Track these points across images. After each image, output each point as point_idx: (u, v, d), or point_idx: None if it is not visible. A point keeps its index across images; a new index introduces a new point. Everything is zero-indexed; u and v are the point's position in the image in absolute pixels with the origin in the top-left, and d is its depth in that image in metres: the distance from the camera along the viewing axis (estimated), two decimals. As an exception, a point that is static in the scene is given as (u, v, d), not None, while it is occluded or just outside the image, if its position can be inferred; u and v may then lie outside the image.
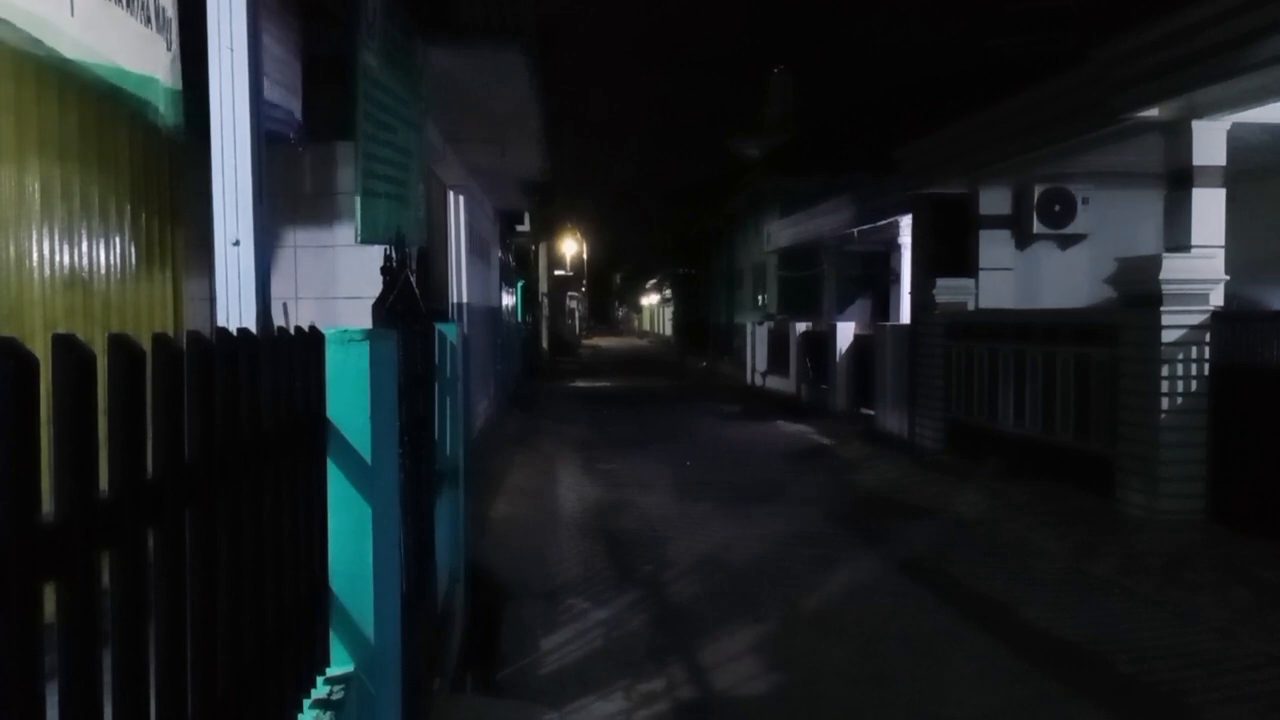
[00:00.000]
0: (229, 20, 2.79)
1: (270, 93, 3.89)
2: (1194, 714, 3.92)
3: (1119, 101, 7.55)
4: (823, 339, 15.51)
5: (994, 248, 10.90)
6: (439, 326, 4.19)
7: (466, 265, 10.29)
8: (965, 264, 10.98)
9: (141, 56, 2.52)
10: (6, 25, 1.99)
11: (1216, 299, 6.78)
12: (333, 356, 2.13)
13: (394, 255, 3.23)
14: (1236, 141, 7.45)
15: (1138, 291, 6.95)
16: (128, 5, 2.66)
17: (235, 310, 2.82)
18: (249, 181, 2.83)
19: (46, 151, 3.79)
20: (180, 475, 1.32)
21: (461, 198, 10.23)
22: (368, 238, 4.23)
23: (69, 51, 2.21)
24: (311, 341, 2.03)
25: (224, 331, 1.57)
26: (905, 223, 13.97)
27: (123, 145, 4.23)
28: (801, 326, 17.14)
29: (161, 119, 2.79)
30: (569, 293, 46.73)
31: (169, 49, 2.91)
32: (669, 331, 48.98)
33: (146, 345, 1.22)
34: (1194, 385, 6.67)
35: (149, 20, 2.58)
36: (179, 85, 2.91)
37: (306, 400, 1.98)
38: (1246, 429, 6.39)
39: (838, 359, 14.67)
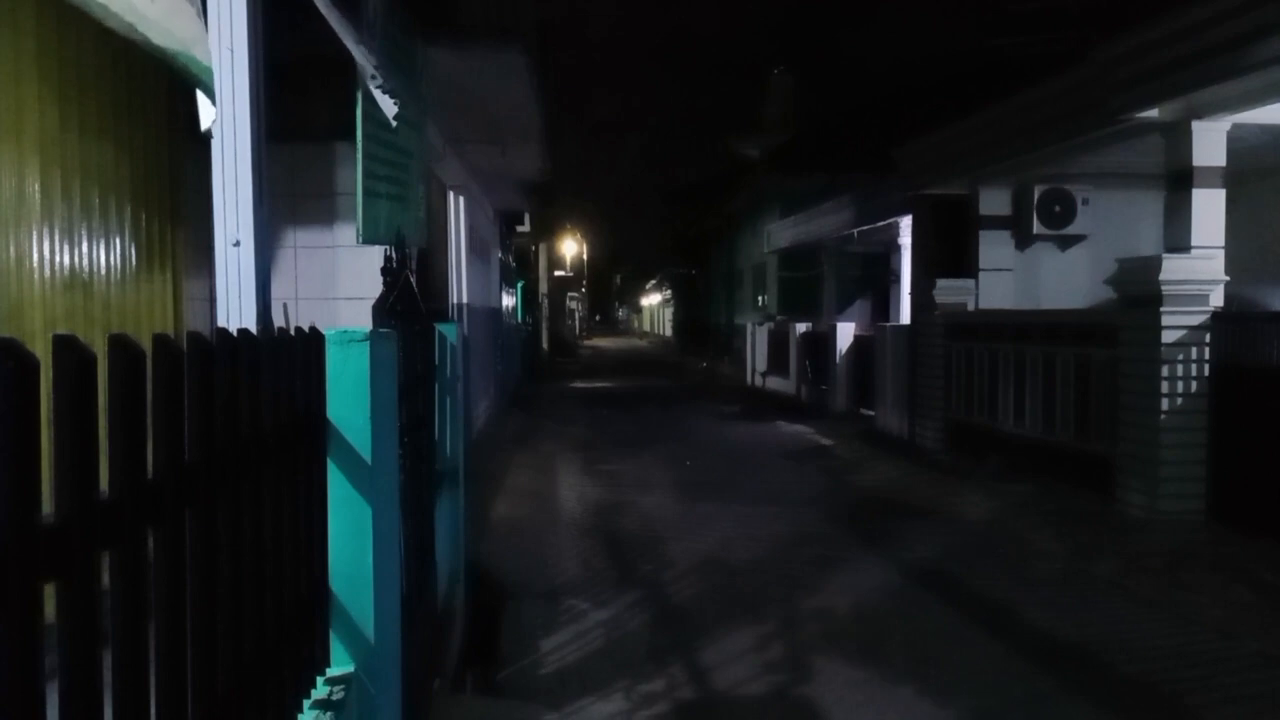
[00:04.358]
0: (229, 20, 2.79)
1: (363, 57, 3.69)
2: (1194, 714, 3.92)
3: (1119, 102, 7.55)
4: (823, 339, 15.51)
5: (994, 248, 10.90)
6: (439, 327, 4.19)
7: (466, 265, 10.29)
8: (965, 264, 10.98)
9: (204, 47, 2.51)
10: (103, 9, 1.99)
11: (1216, 299, 6.78)
12: (333, 357, 2.13)
13: (394, 256, 3.23)
14: (1236, 142, 7.45)
15: (1138, 292, 6.96)
16: None
17: (235, 311, 2.82)
18: (249, 181, 2.83)
19: (48, 151, 3.79)
20: (180, 475, 1.32)
21: (461, 198, 10.23)
22: (368, 238, 4.23)
23: (157, 39, 2.20)
24: (311, 342, 2.03)
25: (224, 332, 1.57)
26: (905, 223, 13.97)
27: (124, 146, 4.24)
28: (801, 327, 17.14)
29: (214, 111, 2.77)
30: (569, 293, 46.76)
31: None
32: (669, 332, 48.98)
33: (147, 346, 1.22)
34: (1194, 385, 6.68)
35: (199, 12, 2.58)
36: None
37: (307, 400, 1.98)
38: (1246, 429, 6.39)
39: (838, 360, 14.67)
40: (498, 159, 9.71)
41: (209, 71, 2.56)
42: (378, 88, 3.86)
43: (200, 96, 2.65)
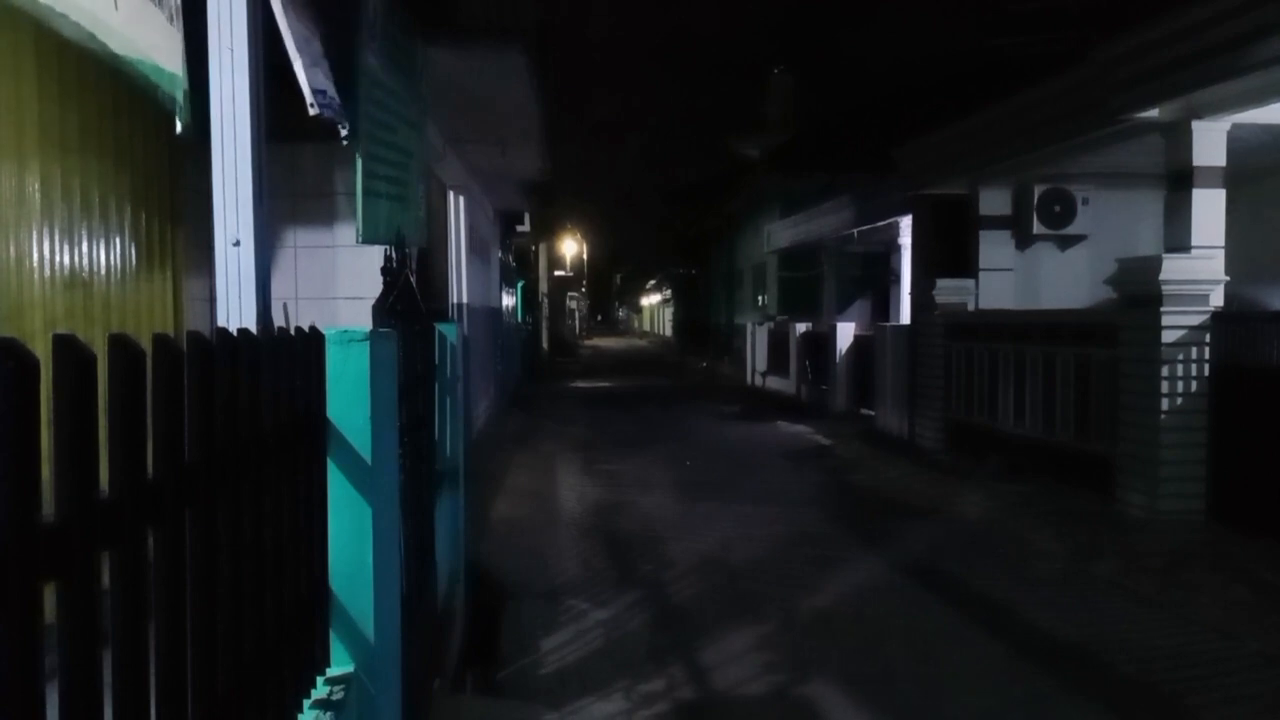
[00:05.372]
0: (229, 20, 2.79)
1: (314, 79, 3.74)
2: (1194, 714, 3.92)
3: (1119, 102, 7.55)
4: (823, 339, 15.51)
5: (994, 248, 10.90)
6: (439, 327, 4.19)
7: (466, 265, 10.29)
8: (965, 264, 10.98)
9: (170, 53, 2.51)
10: (64, 19, 1.99)
11: (1217, 299, 6.78)
12: (333, 357, 2.13)
13: (394, 256, 3.23)
14: (1236, 142, 7.44)
15: (1138, 292, 6.96)
16: (158, 2, 2.65)
17: (235, 310, 2.81)
18: (249, 181, 2.83)
19: (48, 151, 3.79)
20: (180, 476, 1.31)
21: (461, 198, 10.23)
22: (368, 238, 4.23)
23: (117, 48, 2.21)
24: (311, 342, 2.03)
25: (224, 332, 1.57)
26: (905, 223, 13.97)
27: (124, 145, 4.23)
28: (801, 327, 17.14)
29: (183, 116, 2.79)
30: (569, 293, 46.75)
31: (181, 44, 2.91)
32: (669, 332, 48.97)
33: (147, 346, 1.22)
34: (1194, 385, 6.67)
35: (171, 18, 2.57)
36: (187, 83, 2.91)
37: (307, 400, 1.98)
38: (1246, 429, 6.39)
39: (838, 359, 14.67)
40: (498, 159, 9.71)
41: (173, 79, 2.55)
42: (323, 115, 3.82)
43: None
